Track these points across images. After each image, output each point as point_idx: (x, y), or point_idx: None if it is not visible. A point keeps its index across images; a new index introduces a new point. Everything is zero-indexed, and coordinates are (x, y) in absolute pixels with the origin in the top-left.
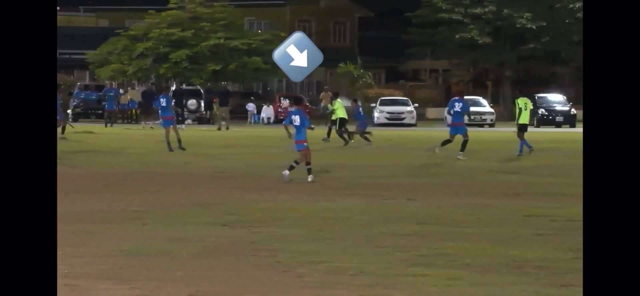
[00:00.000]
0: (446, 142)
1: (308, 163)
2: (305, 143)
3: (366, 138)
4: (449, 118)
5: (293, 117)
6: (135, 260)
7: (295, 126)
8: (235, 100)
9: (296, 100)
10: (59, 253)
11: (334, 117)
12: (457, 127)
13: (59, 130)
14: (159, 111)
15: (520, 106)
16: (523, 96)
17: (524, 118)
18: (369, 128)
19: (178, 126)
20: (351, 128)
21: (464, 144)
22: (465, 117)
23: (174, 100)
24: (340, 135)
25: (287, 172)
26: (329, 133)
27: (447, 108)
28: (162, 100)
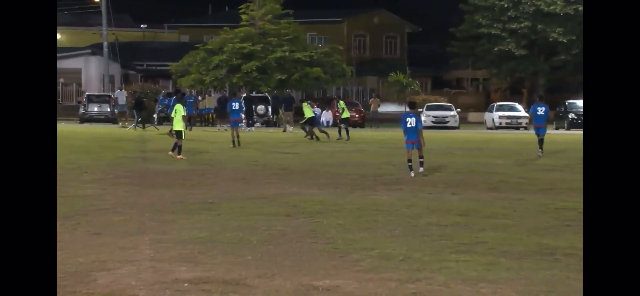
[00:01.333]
0: (541, 143)
1: (421, 157)
2: (418, 143)
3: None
4: (532, 121)
5: (408, 119)
6: (210, 246)
7: (409, 128)
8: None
9: (351, 105)
10: (145, 239)
11: (343, 116)
12: (540, 128)
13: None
14: (230, 113)
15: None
16: (541, 103)
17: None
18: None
19: (248, 128)
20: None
21: (541, 142)
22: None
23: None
24: (338, 131)
25: (421, 169)
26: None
27: (530, 112)
28: (234, 104)
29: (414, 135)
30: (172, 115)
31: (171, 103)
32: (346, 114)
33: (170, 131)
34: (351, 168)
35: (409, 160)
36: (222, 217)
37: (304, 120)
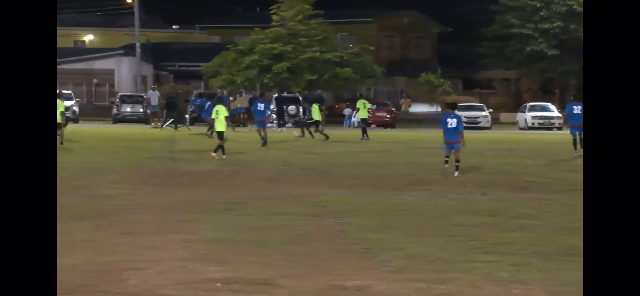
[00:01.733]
0: (575, 143)
1: (457, 161)
2: (457, 144)
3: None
4: (568, 120)
5: (449, 119)
6: (238, 246)
7: (450, 128)
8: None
9: (382, 105)
10: (174, 238)
11: (361, 116)
12: (576, 127)
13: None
14: (254, 113)
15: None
16: (577, 102)
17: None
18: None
19: (279, 128)
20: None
21: (581, 141)
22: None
23: (271, 106)
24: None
25: (456, 173)
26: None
27: (566, 111)
28: (259, 104)
29: (454, 136)
30: (213, 116)
31: (207, 106)
32: (363, 114)
33: (210, 132)
34: (379, 168)
35: (447, 156)
36: (251, 216)
37: (311, 121)
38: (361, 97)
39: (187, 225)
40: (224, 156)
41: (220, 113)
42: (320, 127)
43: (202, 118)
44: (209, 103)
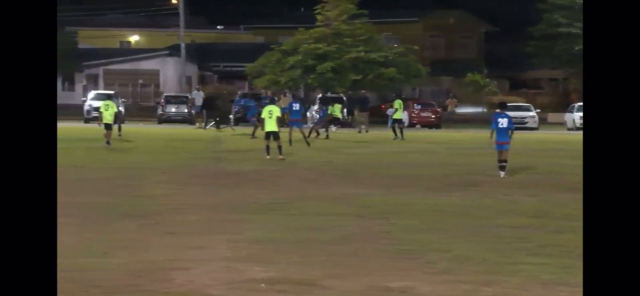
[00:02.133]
0: None
1: (505, 161)
2: (507, 145)
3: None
4: None
5: (500, 119)
6: (282, 246)
7: (500, 128)
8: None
9: (427, 105)
10: (219, 238)
11: (395, 117)
12: None
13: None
14: (290, 113)
15: None
16: None
17: None
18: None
19: (323, 129)
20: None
21: None
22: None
23: (314, 107)
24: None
25: (502, 173)
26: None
27: None
28: (294, 105)
29: (504, 136)
30: (265, 116)
31: (252, 106)
32: (398, 115)
33: (254, 132)
34: (423, 169)
35: (500, 161)
36: (294, 217)
37: (330, 118)
38: (397, 97)
39: (231, 225)
40: (282, 158)
41: (273, 114)
42: (328, 127)
43: (247, 118)
44: (253, 103)
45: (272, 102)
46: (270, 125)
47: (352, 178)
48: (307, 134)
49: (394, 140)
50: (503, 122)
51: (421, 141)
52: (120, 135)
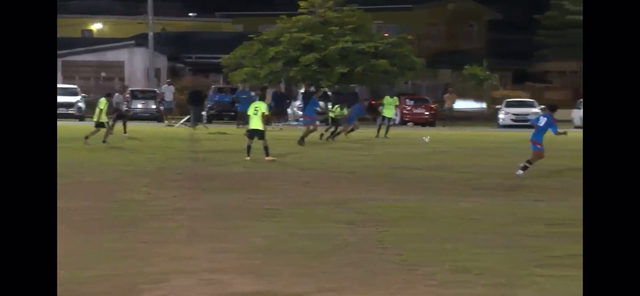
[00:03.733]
0: None
1: (530, 162)
2: (539, 146)
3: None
4: None
5: (541, 118)
6: (271, 256)
7: (540, 127)
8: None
9: (421, 101)
10: (200, 248)
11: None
12: None
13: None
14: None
15: None
16: None
17: None
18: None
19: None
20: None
21: None
22: None
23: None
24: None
25: (521, 172)
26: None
27: None
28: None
29: (537, 137)
30: (252, 113)
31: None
32: (387, 112)
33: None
34: (428, 171)
35: (529, 162)
36: (285, 224)
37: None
38: (389, 93)
39: (216, 233)
40: (271, 159)
41: (259, 111)
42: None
43: (222, 115)
44: (248, 95)
45: (261, 97)
46: (255, 123)
47: (348, 181)
48: (333, 133)
49: (376, 137)
50: (541, 121)
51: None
52: (125, 132)
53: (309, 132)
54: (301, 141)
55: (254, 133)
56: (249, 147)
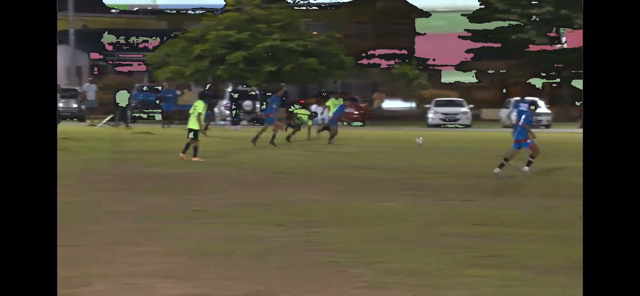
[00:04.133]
0: None
1: (532, 157)
2: (528, 140)
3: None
4: None
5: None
6: (194, 259)
7: (519, 125)
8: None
9: (351, 100)
10: (123, 250)
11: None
12: None
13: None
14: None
15: None
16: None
17: None
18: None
19: (234, 127)
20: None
21: None
22: None
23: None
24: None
25: (526, 168)
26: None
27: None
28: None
29: (521, 134)
30: (191, 111)
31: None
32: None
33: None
34: (358, 171)
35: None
36: (213, 226)
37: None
38: (330, 94)
39: (141, 235)
40: (199, 159)
41: (197, 110)
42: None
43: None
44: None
45: (202, 97)
46: (192, 123)
47: (277, 182)
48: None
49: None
50: (520, 118)
51: (345, 141)
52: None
53: (276, 130)
54: (271, 141)
55: (190, 133)
56: (187, 145)
